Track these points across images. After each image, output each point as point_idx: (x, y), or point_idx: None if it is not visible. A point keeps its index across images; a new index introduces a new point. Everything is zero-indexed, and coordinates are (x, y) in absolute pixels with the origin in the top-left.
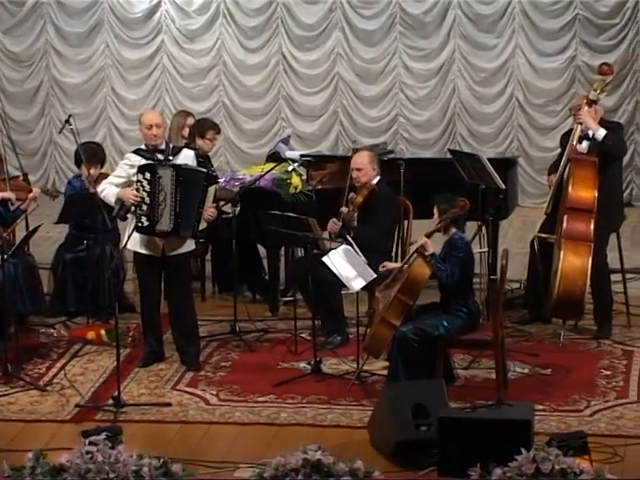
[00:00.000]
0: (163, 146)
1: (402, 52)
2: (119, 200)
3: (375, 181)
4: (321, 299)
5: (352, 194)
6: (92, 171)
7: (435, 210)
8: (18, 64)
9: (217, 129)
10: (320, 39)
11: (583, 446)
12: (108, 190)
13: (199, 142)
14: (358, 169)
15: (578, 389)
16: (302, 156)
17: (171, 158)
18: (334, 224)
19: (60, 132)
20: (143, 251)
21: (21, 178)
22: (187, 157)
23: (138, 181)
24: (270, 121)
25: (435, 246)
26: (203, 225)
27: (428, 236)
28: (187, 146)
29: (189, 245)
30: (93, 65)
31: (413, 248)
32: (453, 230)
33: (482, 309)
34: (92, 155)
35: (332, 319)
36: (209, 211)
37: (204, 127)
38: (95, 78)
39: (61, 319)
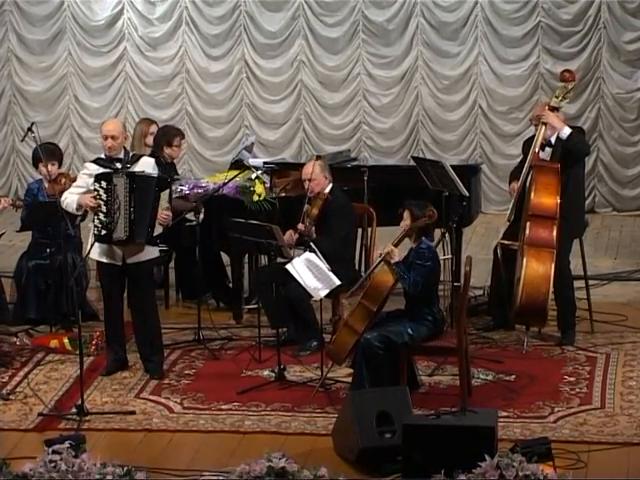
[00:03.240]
0: (121, 155)
1: (365, 60)
2: (80, 206)
3: (328, 189)
4: (290, 310)
5: (307, 206)
6: (50, 167)
7: (406, 214)
8: None
9: (182, 135)
10: (283, 47)
11: (547, 452)
12: (70, 199)
13: (167, 150)
14: (310, 179)
15: (542, 396)
16: (265, 164)
17: (129, 166)
18: (291, 236)
19: (22, 140)
20: (104, 260)
21: None
22: (146, 165)
23: (95, 190)
24: (233, 129)
25: (402, 252)
26: (159, 230)
27: (396, 244)
28: (152, 155)
29: (151, 252)
30: (55, 73)
31: (378, 255)
32: (422, 238)
33: (446, 316)
34: (49, 153)
35: (306, 327)
36: (163, 214)
37: (170, 135)
38: (57, 86)
39: (24, 327)
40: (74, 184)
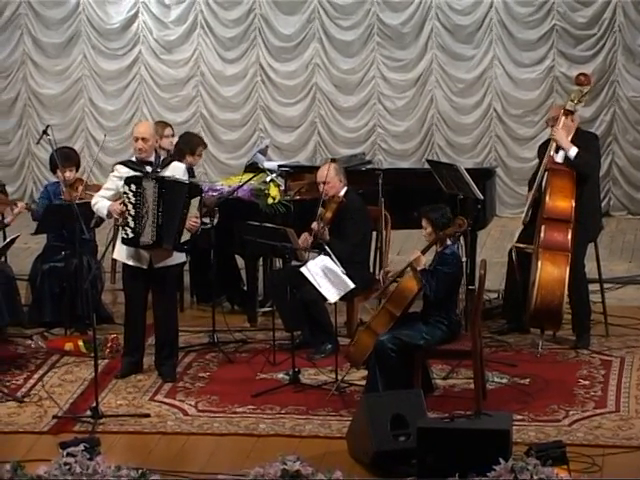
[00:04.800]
0: (152, 158)
1: (380, 63)
2: (110, 213)
3: (342, 193)
4: (305, 313)
5: (321, 209)
6: (67, 174)
7: (425, 223)
8: None
9: (205, 145)
10: (298, 50)
11: (562, 456)
12: (100, 204)
13: (189, 159)
14: (325, 182)
15: (556, 399)
16: (280, 167)
17: (159, 170)
18: (306, 240)
19: (37, 143)
20: (130, 263)
21: None
22: (176, 169)
23: (124, 193)
24: (248, 132)
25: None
26: (186, 237)
27: (423, 252)
28: (173, 158)
29: (178, 257)
30: (70, 76)
31: (408, 259)
32: (447, 243)
33: (460, 319)
34: (66, 158)
35: (320, 330)
36: (192, 221)
37: (194, 144)
38: (73, 89)
39: (39, 330)
40: (104, 186)
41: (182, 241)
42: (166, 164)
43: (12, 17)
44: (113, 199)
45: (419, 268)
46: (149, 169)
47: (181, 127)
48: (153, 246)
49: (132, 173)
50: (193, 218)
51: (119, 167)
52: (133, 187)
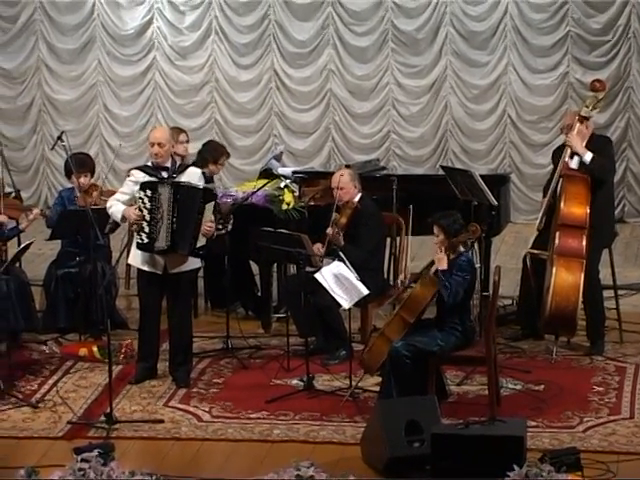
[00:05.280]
0: (168, 164)
1: (394, 69)
2: (124, 218)
3: (357, 198)
4: (319, 319)
5: (335, 214)
6: (82, 180)
7: (437, 230)
8: (10, 81)
9: (228, 154)
10: (312, 56)
11: (576, 462)
12: (115, 207)
13: (211, 167)
14: (339, 188)
15: (571, 405)
16: (294, 173)
17: (175, 176)
18: (319, 249)
19: (52, 149)
20: (145, 268)
21: (13, 195)
22: (192, 175)
23: (140, 198)
24: (262, 138)
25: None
26: (202, 242)
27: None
28: (195, 165)
29: (193, 263)
30: (85, 82)
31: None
32: (461, 249)
33: (475, 325)
34: (81, 164)
35: (334, 336)
36: (207, 226)
37: (218, 153)
38: (87, 95)
39: (53, 335)
40: (120, 190)
41: (197, 246)
42: (182, 170)
43: (27, 23)
44: (128, 203)
45: (441, 268)
46: (165, 174)
47: (196, 133)
48: (167, 251)
49: (148, 178)
50: (208, 223)
51: (135, 172)
52: (149, 192)
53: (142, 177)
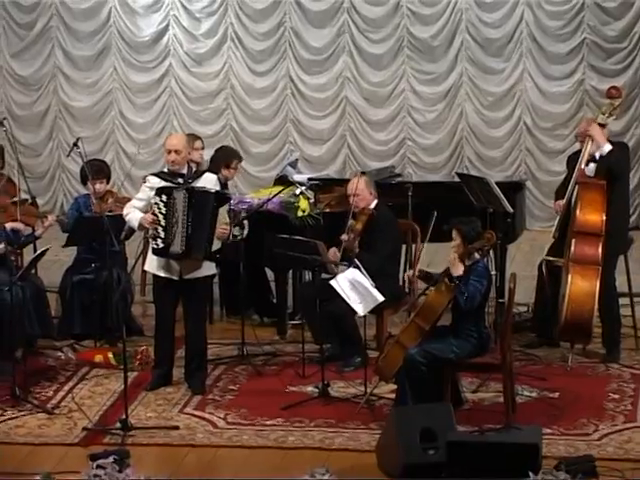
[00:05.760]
0: (184, 170)
1: (410, 75)
2: (141, 225)
3: (373, 205)
4: (334, 326)
5: (351, 221)
6: (97, 186)
7: (455, 234)
8: (26, 88)
9: (240, 158)
10: (328, 63)
11: (592, 470)
12: (132, 215)
13: (224, 172)
14: (355, 194)
15: (586, 413)
16: (310, 179)
17: (191, 182)
18: (335, 254)
19: (68, 155)
20: (161, 274)
21: (29, 201)
22: (208, 181)
23: (155, 203)
24: (278, 144)
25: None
26: (217, 246)
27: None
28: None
29: (208, 269)
30: (101, 88)
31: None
32: (476, 257)
33: (491, 333)
34: (97, 170)
35: (350, 343)
36: (221, 228)
37: (229, 157)
38: (103, 101)
39: (69, 342)
40: (136, 196)
41: (213, 250)
42: (198, 176)
43: (43, 30)
44: (144, 209)
45: (456, 274)
46: (181, 180)
47: (211, 140)
48: (183, 256)
49: (164, 184)
50: (223, 225)
51: (151, 178)
52: (164, 197)
53: (157, 183)
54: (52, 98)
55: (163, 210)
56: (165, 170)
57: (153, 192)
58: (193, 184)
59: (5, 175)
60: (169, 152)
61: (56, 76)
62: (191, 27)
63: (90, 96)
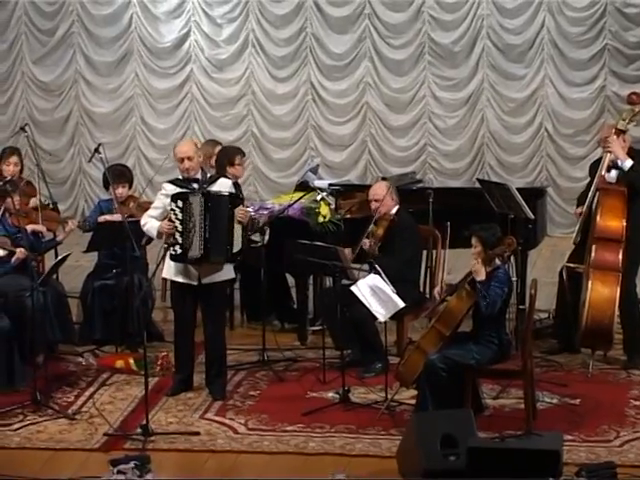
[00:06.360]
0: (199, 175)
1: (431, 82)
2: (160, 234)
3: (394, 211)
4: (355, 332)
5: (372, 226)
6: (119, 190)
7: (475, 241)
8: (48, 93)
9: (242, 153)
10: (349, 68)
11: (613, 477)
12: (150, 224)
13: (230, 170)
14: (376, 200)
15: (607, 419)
16: (331, 185)
17: (206, 187)
18: (350, 253)
19: (89, 161)
20: (179, 279)
21: (51, 207)
22: (223, 185)
23: (172, 209)
24: (299, 150)
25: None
26: (238, 247)
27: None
28: (223, 176)
29: (226, 273)
30: (122, 94)
31: (437, 292)
32: (497, 263)
33: (511, 339)
34: (119, 175)
35: (370, 349)
36: (240, 212)
37: (230, 154)
38: (124, 107)
39: (90, 347)
40: (152, 205)
41: (234, 252)
42: (213, 180)
43: (65, 36)
44: (161, 218)
45: (478, 279)
46: (196, 186)
47: (225, 145)
48: (201, 260)
49: (179, 190)
50: (241, 210)
51: (166, 185)
52: (180, 203)
53: (172, 190)
54: (73, 104)
55: (180, 216)
56: (179, 177)
57: (168, 199)
58: (208, 189)
59: (24, 178)
60: (182, 160)
61: (77, 82)
62: (212, 33)
63: (111, 102)
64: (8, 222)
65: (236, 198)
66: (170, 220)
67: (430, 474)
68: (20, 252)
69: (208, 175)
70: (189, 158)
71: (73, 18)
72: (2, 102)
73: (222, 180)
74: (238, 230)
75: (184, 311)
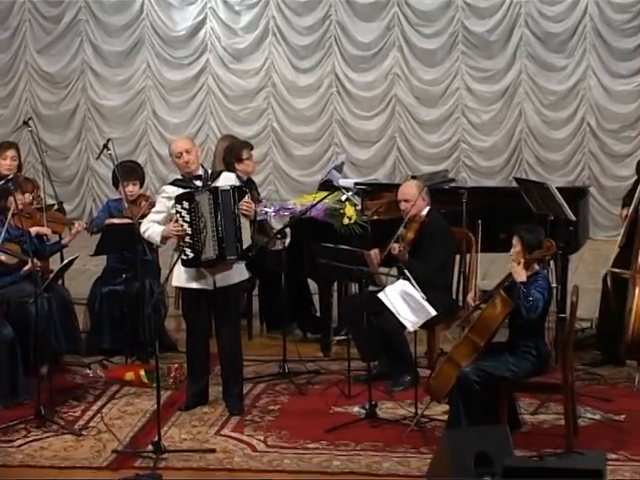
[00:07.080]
0: (200, 172)
1: (465, 73)
2: (165, 238)
3: (425, 212)
4: (382, 342)
5: (402, 229)
6: (130, 188)
7: (516, 240)
8: (53, 85)
9: (250, 146)
10: (376, 59)
11: None
12: (152, 230)
13: (239, 167)
14: (406, 200)
15: None
16: (357, 184)
17: (210, 183)
18: (376, 256)
19: (98, 158)
20: (194, 286)
21: (56, 207)
22: (227, 179)
23: (177, 212)
24: (322, 147)
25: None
26: (248, 242)
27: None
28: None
29: (240, 274)
30: (133, 86)
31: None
32: (536, 268)
33: (550, 350)
34: (129, 172)
35: (399, 361)
36: (244, 205)
37: (236, 149)
38: (135, 100)
39: (97, 358)
40: (153, 210)
41: (244, 247)
42: (215, 176)
43: (71, 23)
44: (164, 223)
45: (519, 280)
46: (199, 183)
47: (251, 141)
48: (217, 261)
49: (182, 191)
50: (245, 203)
51: (166, 187)
52: (186, 204)
53: (175, 191)
54: (80, 96)
55: (187, 218)
56: (179, 177)
57: (171, 202)
58: (212, 185)
59: (21, 174)
60: (180, 155)
61: (85, 73)
62: (230, 21)
63: (121, 94)
64: (10, 223)
65: (239, 190)
66: (177, 223)
67: None
68: (32, 264)
69: (210, 171)
70: (187, 151)
71: (80, 4)
72: (4, 94)
73: (225, 174)
74: (245, 224)
75: (199, 319)
